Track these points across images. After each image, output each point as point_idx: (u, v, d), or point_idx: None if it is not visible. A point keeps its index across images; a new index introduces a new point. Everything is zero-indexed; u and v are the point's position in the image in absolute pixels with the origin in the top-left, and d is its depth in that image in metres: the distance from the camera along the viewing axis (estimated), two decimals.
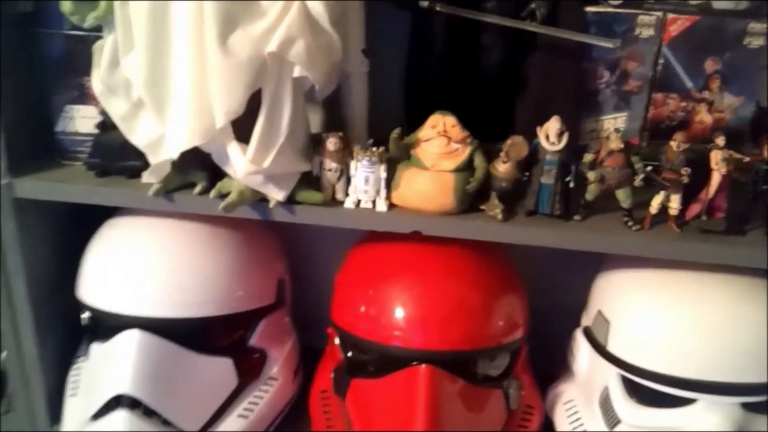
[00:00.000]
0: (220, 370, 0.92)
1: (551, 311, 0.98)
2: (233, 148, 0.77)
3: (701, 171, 0.79)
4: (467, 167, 0.81)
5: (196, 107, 0.74)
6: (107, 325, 0.88)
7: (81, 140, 0.92)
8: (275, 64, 0.75)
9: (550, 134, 0.78)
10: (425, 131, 0.81)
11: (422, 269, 0.88)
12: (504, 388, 0.90)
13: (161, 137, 0.80)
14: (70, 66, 0.89)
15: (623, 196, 0.79)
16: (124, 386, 0.83)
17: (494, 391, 0.89)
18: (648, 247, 0.79)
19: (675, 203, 0.78)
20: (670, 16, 0.84)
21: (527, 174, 0.80)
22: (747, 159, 0.77)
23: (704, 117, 0.88)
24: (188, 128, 0.75)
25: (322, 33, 0.76)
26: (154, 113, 0.78)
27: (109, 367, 0.86)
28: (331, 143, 0.81)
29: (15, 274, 0.92)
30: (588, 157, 0.79)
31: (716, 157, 0.76)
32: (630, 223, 0.80)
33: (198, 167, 0.84)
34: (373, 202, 0.82)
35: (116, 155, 0.88)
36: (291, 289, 1.07)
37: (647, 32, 0.85)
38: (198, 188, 0.84)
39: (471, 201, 0.82)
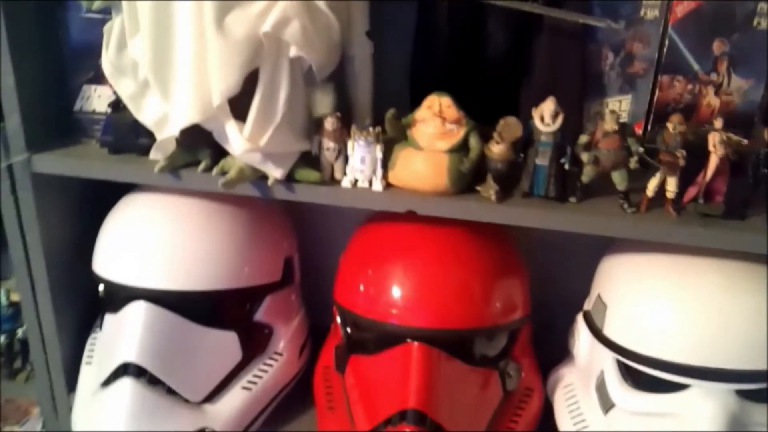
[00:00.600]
0: (225, 343, 0.95)
1: (562, 297, 0.97)
2: (231, 126, 0.79)
3: (703, 154, 0.78)
4: (462, 148, 0.81)
5: (195, 85, 0.77)
6: (119, 297, 0.92)
7: (98, 119, 0.96)
8: (272, 44, 0.76)
9: (545, 115, 0.78)
10: (421, 112, 0.82)
11: (421, 249, 0.89)
12: (501, 369, 0.90)
13: (166, 115, 0.83)
14: (87, 47, 0.92)
15: (618, 179, 0.78)
16: (130, 355, 0.87)
17: (490, 371, 0.90)
18: (644, 230, 0.78)
19: (672, 186, 0.77)
20: None
21: (522, 155, 0.80)
22: (745, 142, 0.75)
23: (712, 100, 0.86)
24: (187, 106, 0.77)
25: (319, 14, 0.77)
26: (159, 92, 0.81)
27: (119, 337, 0.90)
28: (329, 123, 0.82)
29: (34, 248, 0.97)
30: (583, 139, 0.78)
31: (713, 140, 0.75)
32: (625, 206, 0.79)
33: (204, 145, 0.86)
34: (370, 182, 0.83)
35: (128, 133, 0.91)
36: (301, 268, 1.09)
37: (652, 13, 0.84)
38: (202, 165, 0.87)
39: (468, 182, 0.82)
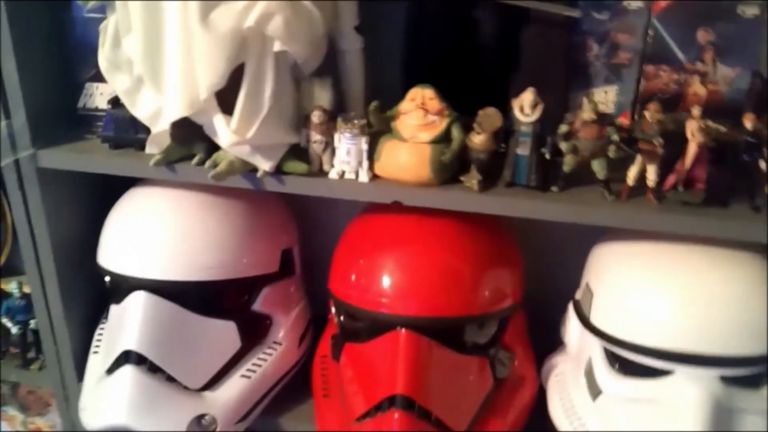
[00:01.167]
0: (224, 332, 0.97)
1: (561, 288, 0.98)
2: (218, 119, 0.81)
3: (683, 142, 0.78)
4: (445, 139, 0.82)
5: (183, 80, 0.79)
6: (122, 288, 0.95)
7: (100, 116, 0.99)
8: (256, 39, 0.79)
9: (525, 106, 0.79)
10: (405, 104, 0.84)
11: (410, 239, 0.90)
12: (491, 356, 0.91)
13: (159, 110, 0.86)
14: (89, 46, 0.95)
15: (598, 167, 0.79)
16: (131, 343, 0.90)
17: (480, 359, 0.91)
18: (625, 218, 0.79)
19: (652, 174, 0.77)
20: None
21: (504, 145, 0.82)
22: (724, 129, 0.75)
23: (698, 89, 0.86)
24: (176, 100, 0.80)
25: (302, 8, 0.80)
26: (152, 87, 0.84)
27: (121, 327, 0.93)
28: (316, 116, 0.84)
29: (42, 241, 1.01)
30: (563, 128, 0.79)
31: (691, 128, 0.75)
32: (606, 195, 0.79)
33: (198, 139, 0.89)
34: (356, 173, 0.85)
35: (127, 129, 0.94)
36: (304, 259, 1.12)
37: (636, 3, 0.84)
38: (196, 159, 0.89)
39: (451, 172, 0.84)
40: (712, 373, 0.78)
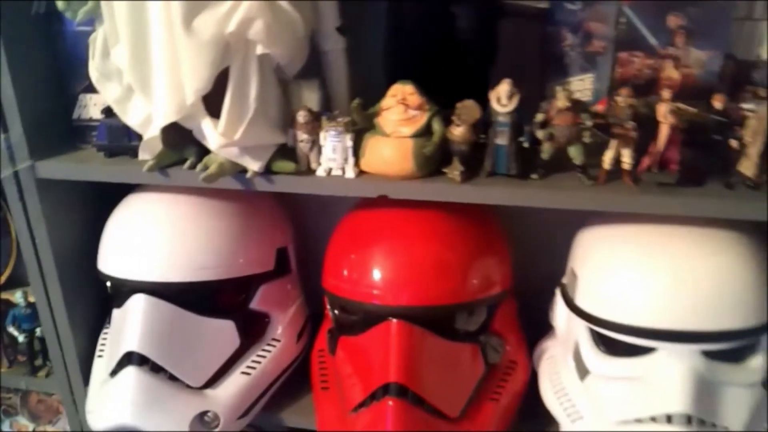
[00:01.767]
0: (223, 331, 1.00)
1: (554, 276, 1.00)
2: (206, 122, 0.84)
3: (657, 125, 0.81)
4: (426, 132, 0.85)
5: (170, 86, 0.82)
6: (122, 292, 0.98)
7: (94, 125, 1.02)
8: (239, 43, 0.82)
9: (501, 97, 0.81)
10: (386, 100, 0.86)
11: (399, 232, 0.93)
12: (482, 343, 0.94)
13: (149, 116, 0.89)
14: (80, 59, 0.98)
15: (575, 153, 0.81)
16: (133, 344, 0.93)
17: (471, 345, 0.93)
18: (603, 201, 0.81)
19: (627, 157, 0.80)
20: None
21: (483, 136, 0.84)
22: (694, 111, 0.78)
23: (672, 73, 0.88)
24: (165, 106, 0.83)
25: (282, 12, 0.82)
26: (141, 95, 0.87)
27: (123, 329, 0.96)
28: (301, 116, 0.87)
29: (43, 250, 1.04)
30: (539, 117, 0.82)
31: (663, 110, 0.77)
32: (584, 179, 0.82)
33: (188, 143, 0.91)
34: (343, 170, 0.88)
35: (120, 137, 0.97)
36: (303, 258, 1.14)
37: None
38: (187, 162, 0.92)
39: (434, 165, 0.86)
40: (693, 349, 0.80)
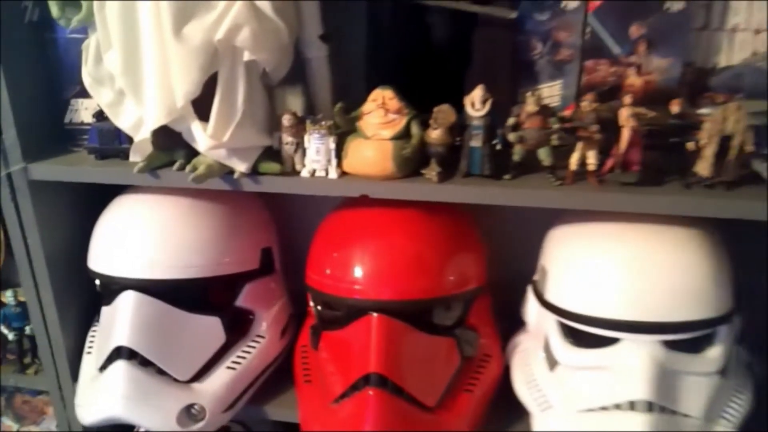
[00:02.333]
0: (209, 327, 1.04)
1: (527, 274, 1.05)
2: (195, 125, 0.89)
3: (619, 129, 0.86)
4: (405, 135, 0.90)
5: (161, 91, 0.87)
6: (111, 289, 1.02)
7: (86, 129, 1.06)
8: (227, 50, 0.87)
9: (475, 101, 0.87)
10: (367, 105, 0.91)
11: (379, 230, 0.97)
12: (457, 336, 0.98)
13: (140, 120, 0.93)
14: (73, 65, 1.02)
15: (544, 155, 0.87)
16: (122, 339, 0.97)
17: (447, 339, 0.98)
18: (570, 200, 0.86)
19: (592, 159, 0.85)
20: None
21: (459, 139, 0.89)
22: (653, 114, 0.83)
23: (634, 80, 0.94)
24: (155, 110, 0.87)
25: (268, 20, 0.87)
26: (132, 99, 0.91)
27: (112, 325, 0.99)
28: (286, 119, 0.91)
29: (35, 250, 1.07)
30: (510, 121, 0.87)
31: (624, 114, 0.83)
32: (552, 180, 0.87)
33: (178, 145, 0.95)
34: (326, 171, 0.92)
35: (111, 140, 1.01)
36: (287, 258, 1.18)
37: (573, 3, 0.92)
38: (177, 164, 0.96)
39: (413, 166, 0.91)
40: (654, 339, 0.85)
